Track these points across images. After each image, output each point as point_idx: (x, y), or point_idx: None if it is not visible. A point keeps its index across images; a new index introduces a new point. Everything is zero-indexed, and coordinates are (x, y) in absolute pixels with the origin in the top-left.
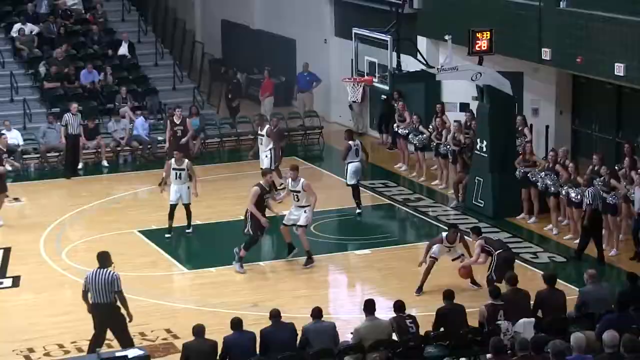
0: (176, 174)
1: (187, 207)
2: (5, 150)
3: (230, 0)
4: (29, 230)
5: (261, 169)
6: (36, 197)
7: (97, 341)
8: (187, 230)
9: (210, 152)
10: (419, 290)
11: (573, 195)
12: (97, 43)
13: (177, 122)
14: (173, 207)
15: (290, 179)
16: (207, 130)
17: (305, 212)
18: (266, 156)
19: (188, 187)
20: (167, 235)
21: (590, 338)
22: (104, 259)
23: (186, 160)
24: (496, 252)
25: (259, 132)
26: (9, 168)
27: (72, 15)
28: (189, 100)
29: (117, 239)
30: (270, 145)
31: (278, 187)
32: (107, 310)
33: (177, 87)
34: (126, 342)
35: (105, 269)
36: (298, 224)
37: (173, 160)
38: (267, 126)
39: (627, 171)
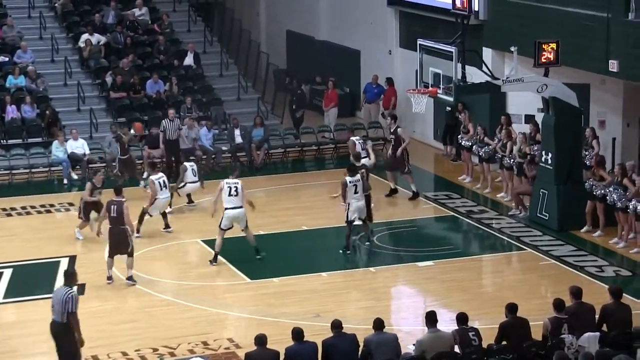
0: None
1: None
2: (99, 185)
3: (295, 11)
4: (93, 238)
5: None
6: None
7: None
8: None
9: (274, 162)
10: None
11: None
12: (163, 53)
13: (391, 130)
14: None
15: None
16: (271, 140)
17: None
18: None
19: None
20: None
21: None
22: (68, 277)
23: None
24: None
25: None
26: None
27: (138, 26)
28: (253, 110)
29: (180, 249)
30: None
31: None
32: (59, 329)
33: (242, 98)
34: None
35: (66, 288)
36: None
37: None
38: None
39: None
